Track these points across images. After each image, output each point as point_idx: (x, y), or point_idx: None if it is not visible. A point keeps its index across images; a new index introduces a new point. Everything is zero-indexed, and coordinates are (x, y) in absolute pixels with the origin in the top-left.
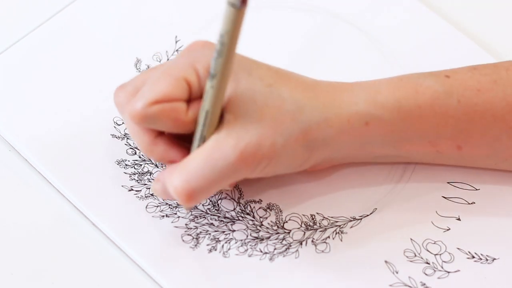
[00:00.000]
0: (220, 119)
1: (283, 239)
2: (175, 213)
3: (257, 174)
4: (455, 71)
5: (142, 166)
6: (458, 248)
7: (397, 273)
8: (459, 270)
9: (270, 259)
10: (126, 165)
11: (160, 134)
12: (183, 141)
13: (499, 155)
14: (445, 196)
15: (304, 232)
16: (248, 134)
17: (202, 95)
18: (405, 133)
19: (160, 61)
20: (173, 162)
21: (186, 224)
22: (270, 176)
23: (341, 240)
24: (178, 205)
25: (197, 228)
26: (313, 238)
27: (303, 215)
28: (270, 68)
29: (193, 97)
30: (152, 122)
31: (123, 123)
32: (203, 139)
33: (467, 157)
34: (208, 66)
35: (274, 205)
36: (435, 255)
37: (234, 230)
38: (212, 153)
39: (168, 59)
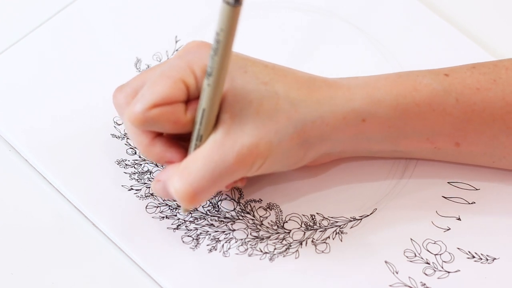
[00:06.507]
0: (216, 118)
1: (283, 239)
2: (175, 215)
3: (252, 173)
4: (454, 70)
5: (142, 165)
6: (458, 248)
7: (397, 273)
8: (459, 270)
9: (270, 259)
10: (126, 164)
11: (158, 135)
12: (181, 141)
13: (497, 153)
14: (445, 196)
15: (304, 232)
16: (244, 134)
17: (200, 95)
18: (402, 130)
19: (160, 61)
20: (171, 163)
21: (186, 226)
22: (267, 173)
23: (341, 240)
24: (178, 206)
25: (197, 229)
26: (313, 238)
27: (303, 215)
28: (266, 65)
29: (191, 98)
30: (152, 125)
31: (123, 123)
32: (200, 138)
33: (466, 153)
34: (204, 67)
35: (274, 204)
36: (435, 255)
37: (234, 230)
38: (212, 155)
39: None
